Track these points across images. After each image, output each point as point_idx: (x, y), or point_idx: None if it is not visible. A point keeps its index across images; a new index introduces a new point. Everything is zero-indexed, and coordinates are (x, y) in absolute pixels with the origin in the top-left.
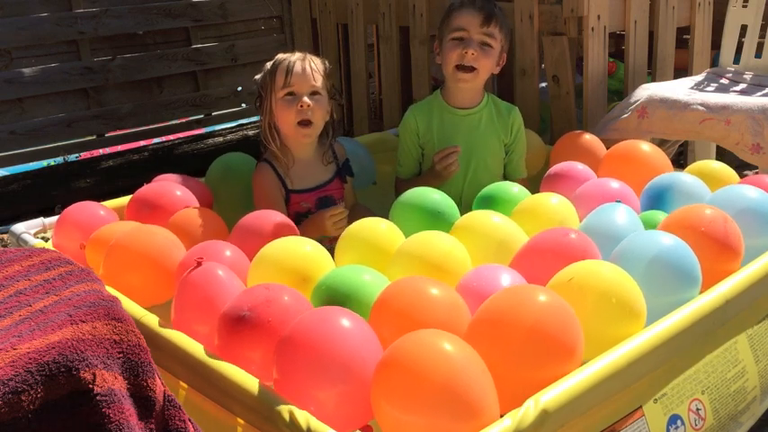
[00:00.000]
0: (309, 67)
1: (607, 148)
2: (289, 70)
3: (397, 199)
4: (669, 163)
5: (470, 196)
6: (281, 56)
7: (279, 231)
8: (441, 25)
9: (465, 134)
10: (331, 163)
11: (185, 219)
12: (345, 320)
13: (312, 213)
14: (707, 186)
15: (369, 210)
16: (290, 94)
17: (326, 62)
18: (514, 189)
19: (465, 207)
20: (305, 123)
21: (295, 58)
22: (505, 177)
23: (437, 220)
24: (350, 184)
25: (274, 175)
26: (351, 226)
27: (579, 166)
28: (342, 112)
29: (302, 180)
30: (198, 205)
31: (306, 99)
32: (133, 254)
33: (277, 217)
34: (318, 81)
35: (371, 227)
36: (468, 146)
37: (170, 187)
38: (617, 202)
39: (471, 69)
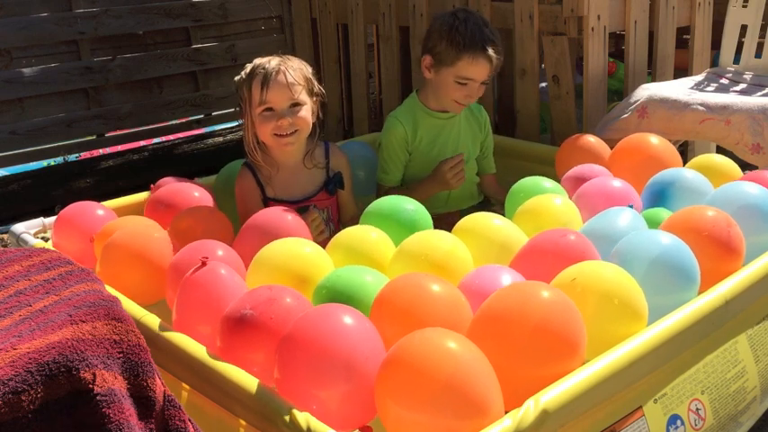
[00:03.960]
0: (285, 78)
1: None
2: (264, 84)
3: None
4: (678, 156)
5: (458, 195)
6: (257, 62)
7: (288, 231)
8: (442, 52)
9: (453, 137)
10: (318, 168)
11: (190, 217)
12: (347, 317)
13: None
14: (709, 182)
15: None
16: (269, 109)
17: (306, 65)
18: (547, 184)
19: (453, 205)
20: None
21: (271, 68)
22: (478, 175)
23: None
24: (349, 195)
25: (253, 180)
26: (339, 234)
27: (596, 168)
28: (341, 112)
29: (286, 190)
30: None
31: (282, 122)
32: (125, 253)
33: (288, 217)
34: (297, 91)
35: (361, 236)
36: (455, 148)
37: (187, 188)
38: (629, 207)
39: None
